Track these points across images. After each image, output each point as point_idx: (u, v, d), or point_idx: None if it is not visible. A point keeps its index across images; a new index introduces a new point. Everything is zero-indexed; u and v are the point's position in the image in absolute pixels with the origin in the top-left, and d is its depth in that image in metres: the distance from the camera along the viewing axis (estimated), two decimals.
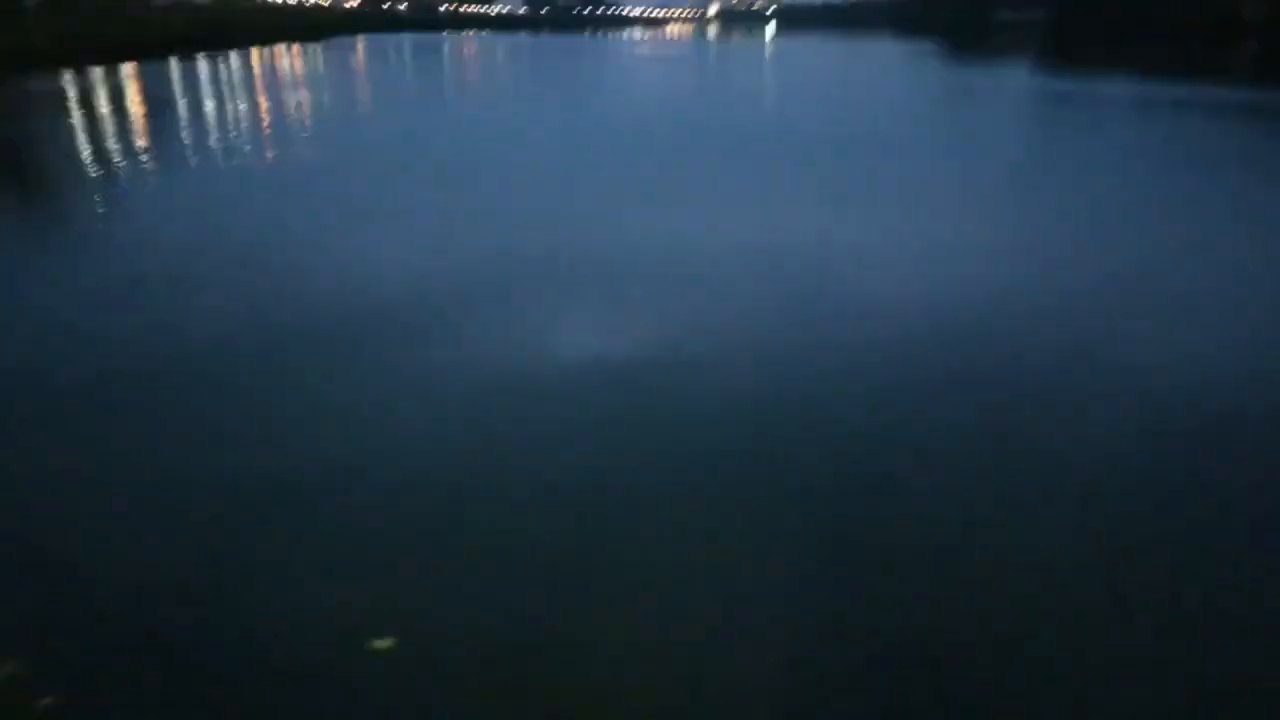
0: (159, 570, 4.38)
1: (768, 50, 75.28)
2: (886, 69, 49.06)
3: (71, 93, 28.00)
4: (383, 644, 3.87)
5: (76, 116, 22.27)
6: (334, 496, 5.07)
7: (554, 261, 9.81)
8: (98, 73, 35.29)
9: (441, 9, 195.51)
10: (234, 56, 48.38)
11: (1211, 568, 4.49)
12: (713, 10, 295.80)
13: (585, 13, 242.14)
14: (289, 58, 50.91)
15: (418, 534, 4.71)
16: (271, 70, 40.95)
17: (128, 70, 36.83)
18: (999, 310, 8.30)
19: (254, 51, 54.44)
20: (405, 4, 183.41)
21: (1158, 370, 6.93)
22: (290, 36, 72.89)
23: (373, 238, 10.89)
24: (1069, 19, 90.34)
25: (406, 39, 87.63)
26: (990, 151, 18.81)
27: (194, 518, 4.85)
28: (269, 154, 17.36)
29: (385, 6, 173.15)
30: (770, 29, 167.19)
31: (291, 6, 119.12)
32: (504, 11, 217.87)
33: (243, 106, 25.20)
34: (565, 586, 4.29)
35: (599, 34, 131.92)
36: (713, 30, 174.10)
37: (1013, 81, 38.31)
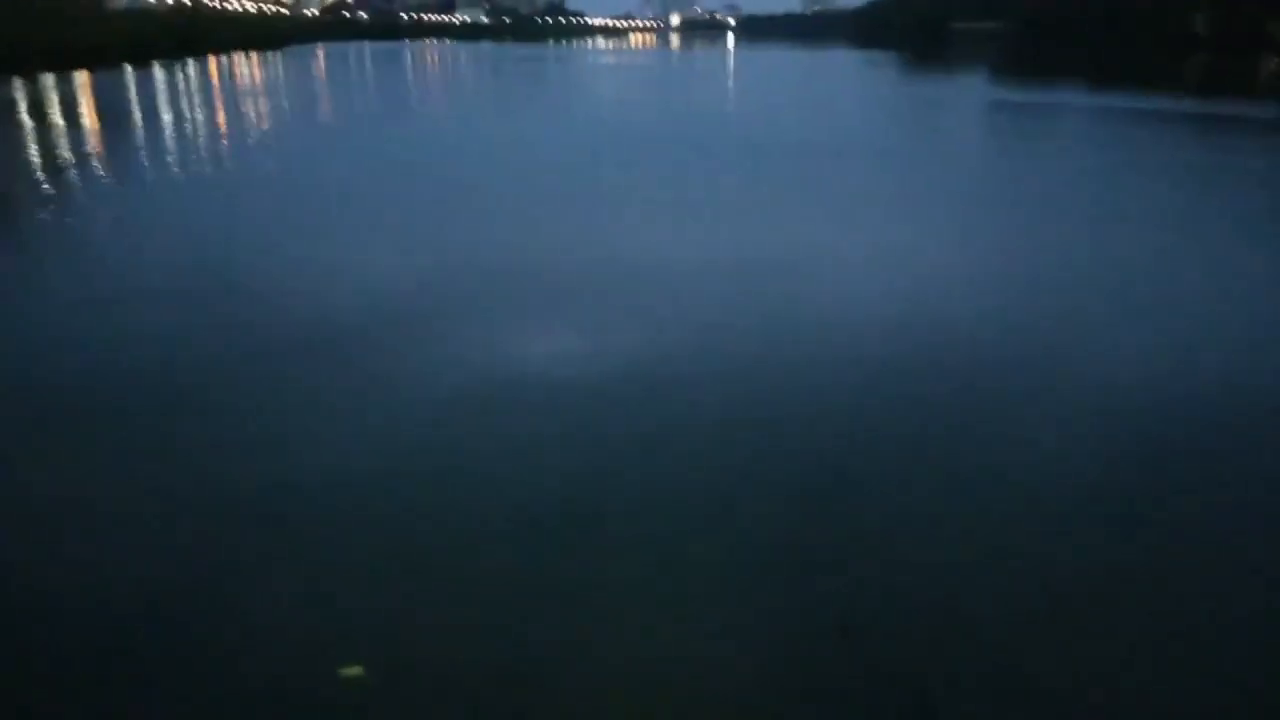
0: (108, 591, 4.21)
1: (730, 60, 75.77)
2: (847, 79, 49.55)
3: (21, 101, 27.34)
4: (351, 671, 3.74)
5: (27, 126, 21.73)
6: (292, 515, 4.92)
7: (510, 266, 9.71)
8: (49, 80, 34.52)
9: (403, 17, 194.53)
10: (191, 65, 47.64)
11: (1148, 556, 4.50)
12: (675, 20, 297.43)
13: (548, 22, 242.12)
14: (248, 66, 50.26)
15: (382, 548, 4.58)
16: (230, 79, 40.38)
17: (81, 79, 36.06)
18: (944, 304, 8.34)
19: (212, 59, 53.66)
20: (365, 13, 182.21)
21: (1109, 368, 6.98)
22: (249, 45, 72.00)
23: (320, 251, 10.71)
24: (1023, 31, 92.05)
25: (367, 48, 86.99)
26: (949, 160, 19.00)
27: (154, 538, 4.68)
28: (222, 166, 17.05)
29: (346, 16, 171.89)
30: (730, 39, 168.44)
31: (251, 15, 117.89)
32: (467, 20, 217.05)
33: (199, 117, 24.77)
34: (533, 597, 4.18)
35: (562, 44, 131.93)
36: (675, 40, 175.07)
37: (971, 92, 38.84)
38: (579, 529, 4.85)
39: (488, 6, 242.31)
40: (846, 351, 7.47)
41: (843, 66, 61.22)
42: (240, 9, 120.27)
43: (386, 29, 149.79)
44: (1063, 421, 6.18)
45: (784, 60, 73.04)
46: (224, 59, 54.69)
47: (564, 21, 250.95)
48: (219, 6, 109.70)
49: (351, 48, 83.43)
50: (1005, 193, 15.29)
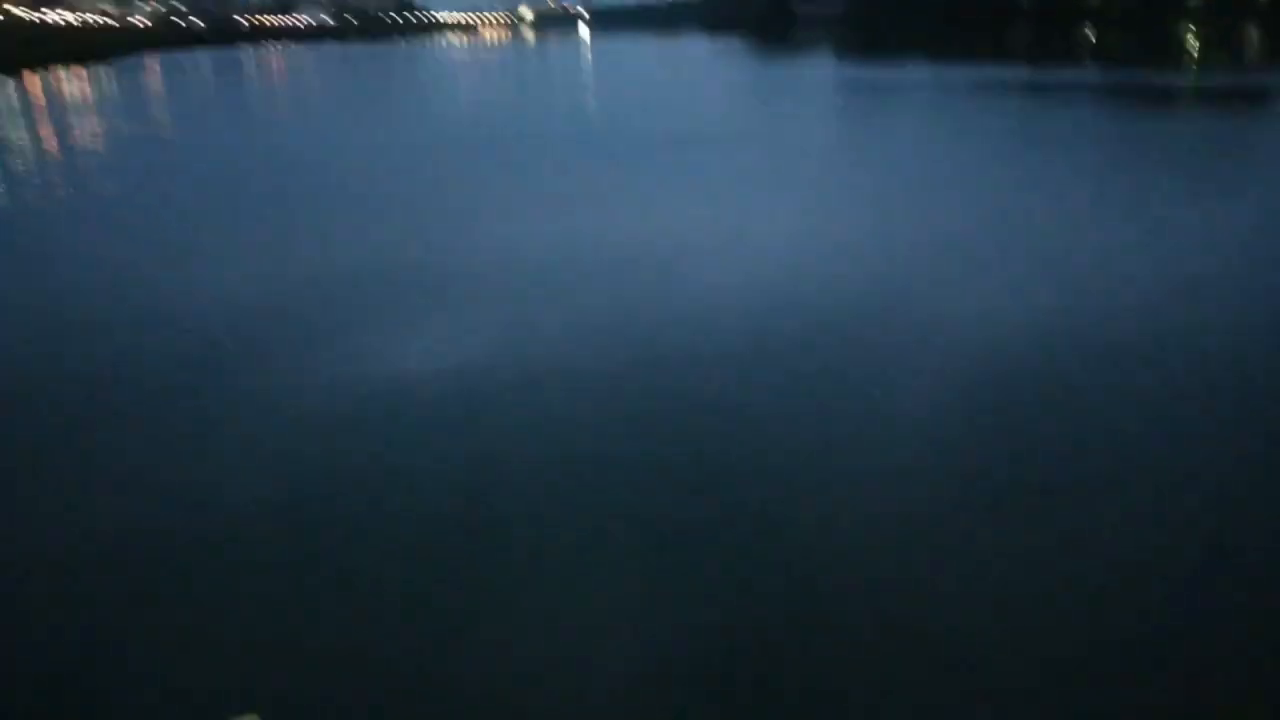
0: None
1: (585, 51, 75.90)
2: (703, 65, 50.46)
3: None
4: None
5: None
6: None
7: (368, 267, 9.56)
8: None
9: (242, 21, 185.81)
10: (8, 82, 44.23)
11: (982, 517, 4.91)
12: (526, 14, 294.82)
13: (396, 20, 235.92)
14: (76, 82, 47.04)
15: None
16: (46, 97, 37.75)
17: None
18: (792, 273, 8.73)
19: (26, 75, 49.96)
20: (200, 20, 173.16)
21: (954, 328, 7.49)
22: (73, 58, 67.35)
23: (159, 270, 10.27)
24: (863, 11, 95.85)
25: (204, 57, 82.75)
26: (809, 140, 19.69)
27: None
28: (44, 191, 16.02)
29: (180, 23, 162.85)
30: (585, 31, 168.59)
31: (74, 26, 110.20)
32: (311, 22, 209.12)
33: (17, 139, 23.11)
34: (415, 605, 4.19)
35: (411, 42, 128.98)
36: (528, 33, 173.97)
37: (820, 72, 40.26)
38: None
39: (333, 7, 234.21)
40: (745, 302, 7.72)
41: (698, 53, 62.26)
42: (62, 21, 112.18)
43: (223, 35, 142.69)
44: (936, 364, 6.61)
45: (641, 49, 73.68)
46: (43, 76, 50.99)
47: (413, 19, 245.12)
48: (36, 20, 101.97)
49: (186, 58, 79.15)
50: (863, 165, 15.99)
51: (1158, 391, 6.35)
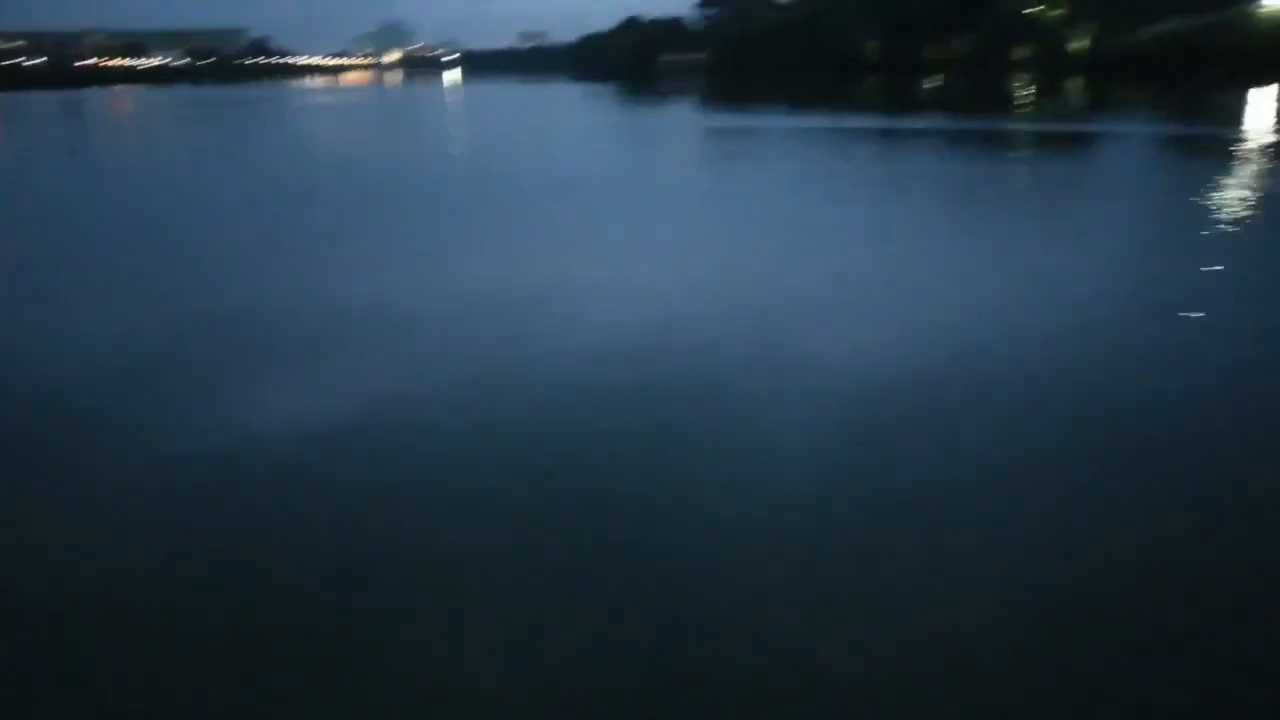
0: None
1: (455, 95, 75.63)
2: (574, 113, 51.08)
3: None
4: None
5: None
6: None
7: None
8: None
9: (87, 61, 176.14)
10: None
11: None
12: (392, 57, 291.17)
13: (253, 64, 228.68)
14: None
15: None
16: None
17: None
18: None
19: None
20: (33, 59, 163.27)
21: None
22: None
23: None
24: (724, 61, 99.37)
25: (38, 100, 77.90)
26: (680, 183, 20.15)
27: None
28: None
29: (19, 63, 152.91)
30: (454, 75, 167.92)
31: None
32: (166, 63, 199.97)
33: None
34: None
35: (270, 85, 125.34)
36: (395, 77, 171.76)
37: (687, 119, 41.41)
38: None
39: (186, 48, 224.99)
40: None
41: (568, 100, 62.98)
42: None
43: (64, 77, 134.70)
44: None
45: (512, 95, 73.98)
46: None
47: (271, 62, 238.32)
48: None
49: (14, 100, 74.21)
50: (727, 205, 16.47)
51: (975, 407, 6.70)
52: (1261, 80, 42.48)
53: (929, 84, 60.40)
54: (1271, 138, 24.64)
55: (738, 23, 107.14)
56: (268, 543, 5.18)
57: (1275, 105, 35.55)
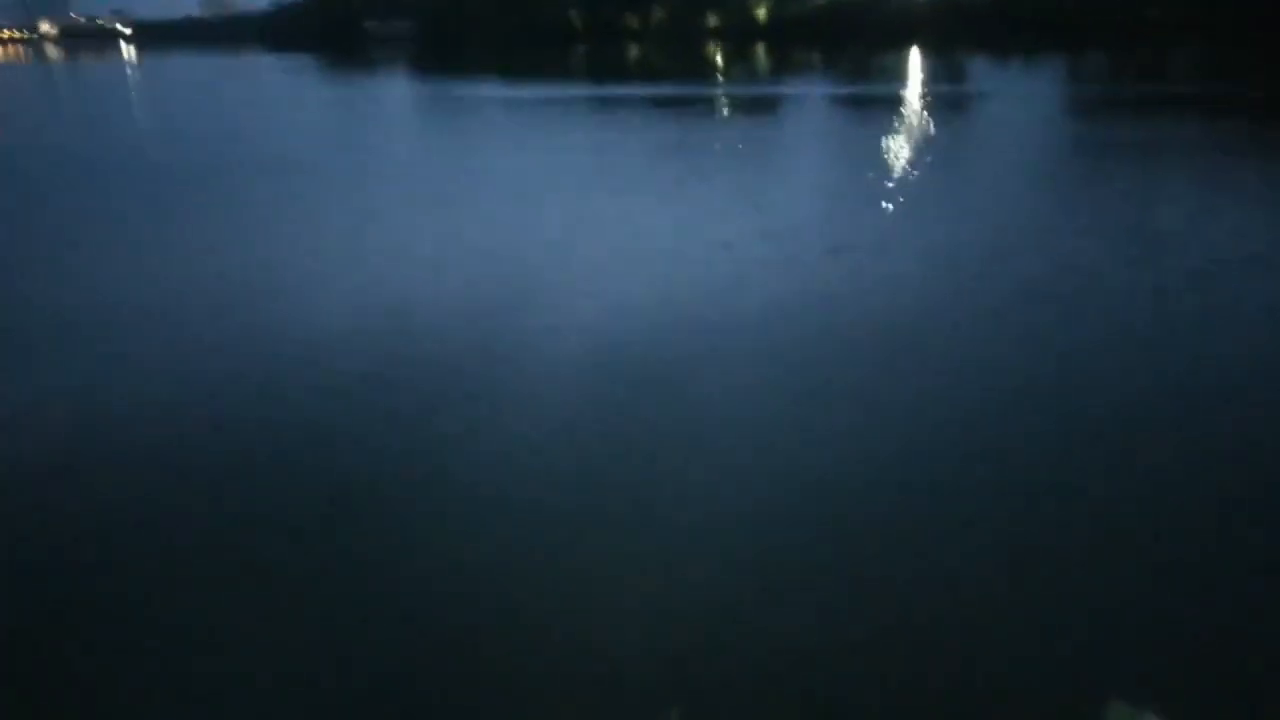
0: None
1: (133, 72, 68.86)
2: (278, 87, 48.73)
3: None
4: None
5: None
6: None
7: None
8: None
9: None
10: None
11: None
12: (48, 28, 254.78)
13: None
14: None
15: None
16: None
17: None
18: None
19: None
20: None
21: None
22: None
23: None
24: (432, 31, 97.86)
25: None
26: (413, 159, 20.69)
27: None
28: None
29: None
30: (130, 49, 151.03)
31: None
32: None
33: None
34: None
35: None
36: (54, 52, 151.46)
37: (401, 92, 41.14)
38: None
39: None
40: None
41: (269, 74, 59.58)
42: None
43: None
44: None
45: (203, 69, 68.49)
46: None
47: None
48: None
49: None
50: (463, 176, 17.44)
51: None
52: (909, 43, 49.39)
53: (633, 51, 63.61)
54: (920, 92, 29.46)
55: None
56: None
57: (919, 66, 41.81)
